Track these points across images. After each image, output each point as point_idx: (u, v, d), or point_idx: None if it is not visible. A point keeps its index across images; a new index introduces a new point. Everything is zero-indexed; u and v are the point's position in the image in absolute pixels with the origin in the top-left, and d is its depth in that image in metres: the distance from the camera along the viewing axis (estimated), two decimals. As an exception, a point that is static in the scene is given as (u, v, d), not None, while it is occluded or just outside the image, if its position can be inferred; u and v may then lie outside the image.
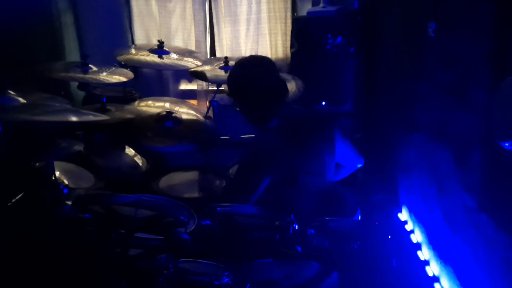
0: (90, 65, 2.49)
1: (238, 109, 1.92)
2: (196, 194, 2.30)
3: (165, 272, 1.36)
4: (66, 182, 1.99)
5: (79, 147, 2.09)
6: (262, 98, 1.81)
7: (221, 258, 1.50)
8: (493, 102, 1.26)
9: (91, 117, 1.71)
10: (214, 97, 2.92)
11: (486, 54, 1.36)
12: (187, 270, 1.42)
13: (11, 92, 1.67)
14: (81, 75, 2.44)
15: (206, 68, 2.93)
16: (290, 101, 1.93)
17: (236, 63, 1.97)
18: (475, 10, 1.44)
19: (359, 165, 2.09)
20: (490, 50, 1.33)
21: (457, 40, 1.59)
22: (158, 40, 2.88)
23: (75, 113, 1.73)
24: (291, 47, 3.05)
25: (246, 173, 1.80)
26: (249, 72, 1.85)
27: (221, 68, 2.90)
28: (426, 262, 1.89)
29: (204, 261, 1.49)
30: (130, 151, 2.56)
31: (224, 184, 2.39)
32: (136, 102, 2.83)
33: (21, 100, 1.64)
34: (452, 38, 1.63)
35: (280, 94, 1.84)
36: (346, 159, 2.00)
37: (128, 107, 2.68)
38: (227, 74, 2.79)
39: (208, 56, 3.46)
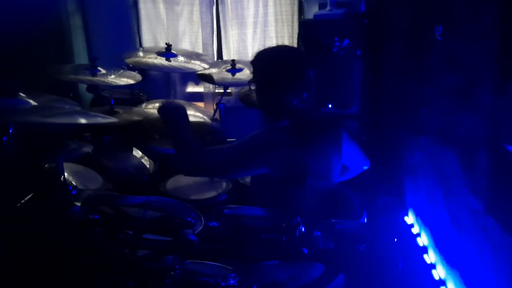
0: (99, 68, 2.52)
1: (256, 94, 1.88)
2: (203, 196, 2.31)
3: (172, 273, 1.38)
4: (74, 183, 2.01)
5: (87, 148, 2.11)
6: (295, 88, 1.78)
7: (227, 260, 1.51)
8: (499, 105, 1.27)
9: (100, 119, 1.73)
10: (221, 99, 2.94)
11: (492, 57, 1.36)
12: (194, 271, 1.43)
13: (22, 95, 1.69)
14: (90, 78, 2.47)
15: (213, 70, 2.95)
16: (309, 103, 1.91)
17: (278, 47, 2.00)
18: (482, 13, 1.44)
19: (365, 167, 2.09)
20: (496, 53, 1.33)
21: (464, 43, 1.59)
22: (166, 43, 2.91)
23: (84, 115, 1.75)
24: (298, 49, 3.06)
25: (242, 152, 1.78)
26: (290, 55, 1.86)
27: (228, 70, 2.92)
28: (433, 265, 1.88)
29: (211, 262, 1.50)
30: (137, 152, 2.58)
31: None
32: (144, 104, 2.86)
33: (32, 102, 1.67)
34: (459, 41, 1.63)
35: (308, 91, 1.83)
36: (352, 161, 2.01)
37: (135, 109, 2.70)
38: (231, 75, 2.85)
39: (215, 59, 3.48)
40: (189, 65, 2.87)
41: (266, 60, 1.85)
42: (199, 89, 3.60)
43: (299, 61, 1.83)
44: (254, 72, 1.89)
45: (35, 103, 1.64)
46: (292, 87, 1.77)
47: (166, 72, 3.44)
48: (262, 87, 1.85)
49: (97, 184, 2.16)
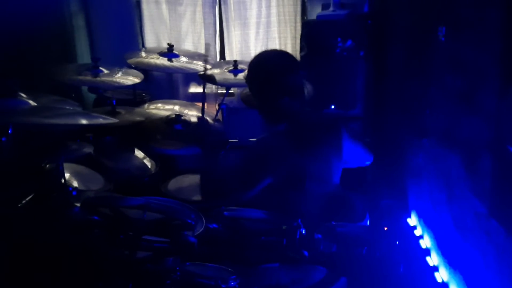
0: (101, 68, 2.52)
1: (253, 97, 1.91)
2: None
3: (172, 275, 1.37)
4: (75, 184, 2.00)
5: (89, 149, 2.10)
6: (283, 91, 1.79)
7: (228, 262, 1.50)
8: (503, 107, 1.25)
9: (101, 120, 1.72)
10: (223, 100, 2.93)
11: (496, 58, 1.34)
12: (194, 273, 1.42)
13: (22, 95, 1.69)
14: (91, 79, 2.46)
15: (215, 71, 2.94)
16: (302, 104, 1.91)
17: (264, 52, 1.99)
18: (485, 14, 1.43)
19: (368, 163, 2.09)
20: (500, 55, 1.32)
21: (467, 44, 1.58)
22: (168, 43, 2.90)
23: (85, 116, 1.75)
24: (301, 50, 3.05)
25: (247, 169, 1.79)
26: (278, 62, 1.86)
27: (230, 71, 2.91)
28: (435, 268, 1.87)
29: (211, 264, 1.50)
30: (139, 153, 2.57)
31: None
32: (146, 105, 2.85)
33: (32, 103, 1.66)
34: (463, 42, 1.62)
35: (299, 92, 1.83)
36: (354, 158, 2.01)
37: (137, 109, 2.69)
38: (243, 74, 2.84)
39: (218, 59, 3.48)
40: (192, 66, 2.87)
41: (256, 65, 1.87)
42: (201, 89, 3.59)
43: (288, 67, 1.83)
44: (247, 76, 1.92)
45: (35, 104, 1.64)
46: (281, 92, 1.78)
47: (169, 73, 3.44)
48: (253, 91, 1.87)
49: (98, 184, 2.15)
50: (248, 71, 1.93)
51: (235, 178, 1.76)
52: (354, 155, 2.00)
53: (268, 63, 1.87)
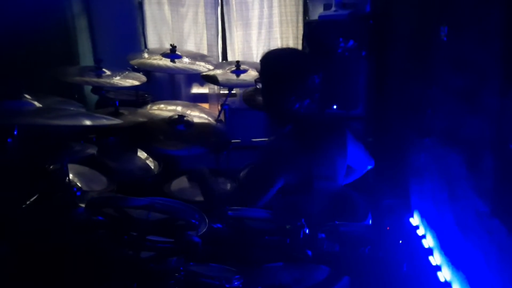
0: (104, 69, 2.53)
1: (261, 95, 1.90)
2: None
3: (176, 275, 1.38)
4: (79, 184, 2.01)
5: (92, 150, 2.11)
6: (298, 92, 1.78)
7: (232, 262, 1.50)
8: (505, 107, 1.26)
9: (105, 121, 1.73)
10: (225, 100, 2.95)
11: (498, 58, 1.35)
12: (198, 273, 1.43)
13: (27, 96, 1.70)
14: (95, 79, 2.48)
15: (217, 72, 2.95)
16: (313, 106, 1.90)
17: (279, 49, 1.99)
18: (487, 14, 1.43)
19: (369, 167, 2.09)
20: (502, 54, 1.32)
21: (469, 44, 1.58)
22: (171, 44, 2.91)
23: (89, 117, 1.76)
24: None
25: (259, 175, 1.79)
26: (295, 59, 1.86)
27: (232, 72, 2.92)
28: (438, 268, 1.87)
29: (215, 264, 1.50)
30: (142, 154, 2.59)
31: (235, 185, 2.40)
32: (149, 106, 2.87)
33: (37, 104, 1.67)
34: (465, 42, 1.62)
35: (313, 94, 1.82)
36: (357, 161, 2.00)
37: (140, 110, 2.71)
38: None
39: (220, 60, 3.48)
40: (194, 67, 2.88)
41: (270, 62, 1.85)
42: (203, 90, 3.61)
43: (304, 65, 1.82)
44: (260, 72, 1.89)
45: (40, 105, 1.65)
46: (294, 91, 1.76)
47: (171, 74, 3.45)
48: (265, 88, 1.85)
49: (101, 185, 2.17)
50: (263, 64, 1.88)
51: (249, 183, 1.76)
52: (359, 159, 2.00)
53: (287, 62, 1.83)
